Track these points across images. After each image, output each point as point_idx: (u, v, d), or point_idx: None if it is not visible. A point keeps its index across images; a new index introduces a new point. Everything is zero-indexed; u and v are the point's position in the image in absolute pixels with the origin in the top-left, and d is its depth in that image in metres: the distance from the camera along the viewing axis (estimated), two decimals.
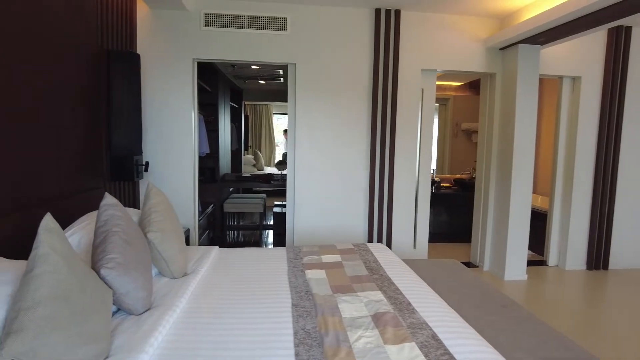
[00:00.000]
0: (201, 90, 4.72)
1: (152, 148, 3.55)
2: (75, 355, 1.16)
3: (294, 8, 3.62)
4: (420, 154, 4.06)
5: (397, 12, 3.69)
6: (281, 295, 1.95)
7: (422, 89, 3.98)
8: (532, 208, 3.95)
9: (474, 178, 5.45)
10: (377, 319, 1.67)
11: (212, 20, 3.53)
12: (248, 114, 8.99)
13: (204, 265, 2.28)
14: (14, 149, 1.86)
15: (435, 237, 5.19)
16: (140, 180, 3.39)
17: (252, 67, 5.34)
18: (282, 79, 6.35)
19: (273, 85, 7.30)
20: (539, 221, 4.53)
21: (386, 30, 3.70)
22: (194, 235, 3.73)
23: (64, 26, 2.32)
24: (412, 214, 3.99)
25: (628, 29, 3.99)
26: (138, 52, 3.42)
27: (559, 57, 4.01)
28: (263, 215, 5.28)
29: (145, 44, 3.48)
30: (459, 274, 2.76)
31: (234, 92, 6.96)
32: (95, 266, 1.52)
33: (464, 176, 5.97)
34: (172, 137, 3.58)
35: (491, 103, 4.09)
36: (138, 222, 2.13)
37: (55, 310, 1.14)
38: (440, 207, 5.34)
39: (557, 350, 1.80)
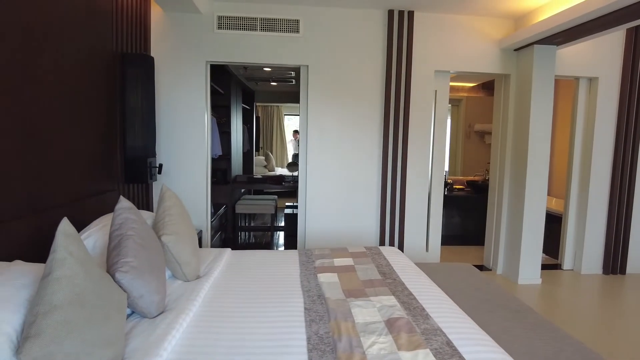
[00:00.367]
0: (214, 93, 4.74)
1: (166, 150, 3.58)
2: (91, 359, 1.17)
3: (307, 10, 3.62)
4: (433, 156, 4.02)
5: (410, 14, 3.67)
6: (294, 299, 1.94)
7: (435, 91, 3.95)
8: (547, 211, 3.89)
9: (487, 180, 5.39)
10: (391, 325, 1.65)
11: (225, 22, 3.55)
12: (259, 115, 9.02)
13: (216, 268, 2.29)
14: (30, 151, 1.88)
15: (447, 239, 5.14)
16: (153, 183, 3.41)
17: (264, 69, 5.35)
18: (293, 80, 6.35)
19: (284, 87, 7.30)
20: (553, 224, 4.47)
21: (399, 31, 3.68)
22: (207, 236, 3.75)
23: (80, 30, 2.35)
24: (424, 217, 3.96)
25: None
26: (152, 54, 3.45)
27: (575, 57, 3.94)
28: (274, 217, 5.29)
29: (159, 46, 3.51)
30: (472, 278, 2.73)
31: (245, 93, 6.99)
32: (110, 270, 1.53)
33: (476, 178, 5.90)
34: (185, 139, 3.61)
35: (505, 104, 4.04)
36: (152, 224, 2.15)
37: (71, 315, 1.15)
38: (452, 210, 5.29)
39: (575, 358, 1.77)
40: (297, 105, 3.86)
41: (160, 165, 3.30)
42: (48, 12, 2.02)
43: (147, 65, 3.09)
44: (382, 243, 3.84)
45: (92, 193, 2.51)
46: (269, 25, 3.59)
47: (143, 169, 3.06)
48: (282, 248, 5.03)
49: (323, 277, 2.23)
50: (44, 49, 1.99)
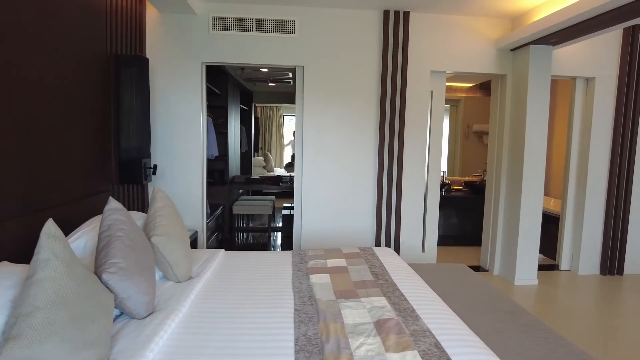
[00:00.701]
0: (210, 93, 4.75)
1: (161, 151, 3.58)
2: None
3: (303, 11, 3.62)
4: (430, 157, 4.02)
5: (406, 14, 3.66)
6: (284, 300, 1.94)
7: (432, 91, 3.94)
8: (544, 211, 3.88)
9: (485, 180, 5.38)
10: (380, 326, 1.65)
11: (221, 23, 3.55)
12: (259, 116, 9.02)
13: (208, 269, 2.28)
14: (23, 152, 1.88)
15: (445, 240, 5.13)
16: (149, 183, 3.41)
17: (262, 69, 5.35)
18: (291, 81, 6.36)
19: (283, 88, 7.31)
20: (551, 224, 4.45)
21: (395, 31, 3.67)
22: (202, 237, 3.75)
23: (74, 30, 2.35)
24: (420, 218, 3.95)
25: None
26: (147, 55, 3.45)
27: (571, 57, 3.93)
28: (272, 217, 5.29)
29: (154, 47, 3.51)
30: (467, 279, 2.72)
31: (243, 94, 6.99)
32: (97, 271, 1.53)
33: (474, 179, 5.89)
34: (181, 140, 3.61)
35: (502, 105, 4.03)
36: (143, 225, 2.15)
37: (54, 316, 1.15)
38: (450, 210, 5.28)
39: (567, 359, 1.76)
40: (293, 106, 3.85)
41: (155, 166, 3.30)
42: (41, 13, 2.02)
43: (141, 67, 3.09)
44: (378, 244, 3.83)
45: (87, 194, 2.51)
46: (265, 26, 3.58)
47: (138, 170, 3.06)
48: (279, 249, 5.02)
49: (315, 278, 2.22)
50: (38, 49, 1.99)
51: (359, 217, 3.84)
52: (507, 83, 3.93)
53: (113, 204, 1.78)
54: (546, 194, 5.38)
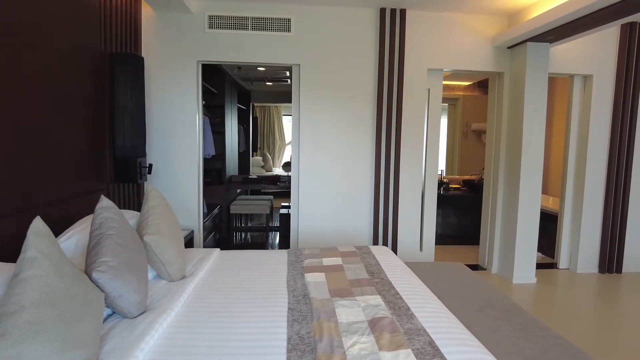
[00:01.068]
0: (207, 92, 4.73)
1: (157, 150, 3.56)
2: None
3: (298, 9, 3.60)
4: (427, 155, 4.00)
5: (403, 12, 3.65)
6: (278, 299, 1.92)
7: (429, 89, 3.93)
8: (542, 209, 3.86)
9: (483, 179, 5.37)
10: (374, 325, 1.63)
11: (216, 22, 3.53)
12: (257, 115, 9.00)
13: (203, 268, 2.27)
14: (17, 151, 1.87)
15: (444, 239, 5.11)
16: (144, 182, 3.40)
17: (259, 68, 5.34)
18: (289, 80, 6.34)
19: (281, 87, 7.29)
20: (549, 223, 4.44)
21: (391, 29, 3.66)
22: (199, 237, 3.73)
23: (67, 29, 2.34)
24: (418, 216, 3.93)
25: None
26: (142, 54, 3.43)
27: (569, 55, 3.91)
28: (270, 217, 5.27)
29: (149, 46, 3.49)
30: (464, 278, 2.70)
31: (241, 94, 6.97)
32: (87, 269, 1.51)
33: (473, 177, 5.88)
34: (177, 139, 3.59)
35: (499, 103, 4.01)
36: (136, 224, 2.13)
37: (40, 315, 1.13)
38: (449, 209, 5.26)
39: (562, 358, 1.74)
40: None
41: (150, 165, 3.28)
42: (33, 10, 2.00)
43: (136, 65, 3.07)
44: (375, 243, 3.81)
45: (81, 193, 2.49)
46: (260, 24, 3.57)
47: (133, 169, 3.04)
48: (277, 248, 5.01)
49: (310, 277, 2.20)
50: (31, 47, 1.97)
51: (356, 216, 3.82)
52: (505, 81, 3.91)
53: (105, 202, 1.77)
54: (544, 192, 5.36)
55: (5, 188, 1.79)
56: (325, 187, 3.79)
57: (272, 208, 5.31)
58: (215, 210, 4.75)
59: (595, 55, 3.94)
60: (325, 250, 2.72)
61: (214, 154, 4.78)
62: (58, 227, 2.04)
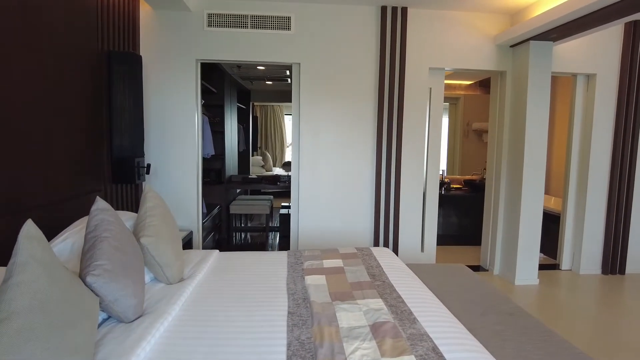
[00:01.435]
0: (206, 92, 4.69)
1: (155, 150, 3.52)
2: None
3: (299, 7, 3.56)
4: (428, 155, 3.96)
5: (404, 10, 3.60)
6: (278, 302, 1.88)
7: (430, 88, 3.89)
8: (544, 210, 3.82)
9: (485, 179, 5.32)
10: (376, 329, 1.59)
11: (215, 20, 3.49)
12: (257, 114, 8.96)
13: (201, 270, 2.23)
14: (12, 151, 1.83)
15: (445, 239, 5.08)
16: (142, 183, 3.36)
17: (258, 67, 5.30)
18: (289, 79, 6.30)
19: (281, 86, 7.24)
20: (551, 223, 4.40)
21: (392, 28, 3.62)
22: (198, 237, 3.70)
23: (64, 27, 2.30)
24: (419, 217, 3.89)
25: None
26: (140, 53, 3.40)
27: (572, 53, 3.87)
28: (270, 217, 5.23)
29: (147, 44, 3.45)
30: (466, 280, 2.66)
31: (241, 93, 6.93)
32: (82, 273, 1.47)
33: (474, 177, 5.84)
34: (175, 138, 3.55)
35: (501, 102, 3.97)
36: (133, 225, 2.09)
37: (31, 321, 1.09)
38: (450, 209, 5.22)
39: None
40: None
41: (149, 165, 3.24)
42: (28, 8, 1.96)
43: (134, 64, 3.03)
44: (376, 244, 3.77)
45: (78, 194, 2.46)
46: (260, 22, 3.53)
47: (131, 169, 3.00)
48: (277, 249, 4.97)
49: (310, 280, 2.16)
50: (25, 45, 1.93)
51: (356, 216, 3.78)
52: (507, 80, 3.87)
53: (100, 203, 1.73)
54: (546, 192, 5.32)
55: (1, 189, 1.76)
56: (326, 187, 3.75)
57: (272, 208, 5.27)
58: (215, 211, 4.71)
59: (598, 54, 3.90)
60: (326, 251, 2.68)
61: (213, 153, 4.74)
62: (55, 229, 2.01)
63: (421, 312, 1.79)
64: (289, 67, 5.10)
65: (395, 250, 3.78)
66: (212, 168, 5.02)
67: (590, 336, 2.81)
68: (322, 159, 3.73)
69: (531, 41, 3.56)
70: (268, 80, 6.55)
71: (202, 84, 3.75)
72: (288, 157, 9.54)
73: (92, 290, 1.44)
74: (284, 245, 4.95)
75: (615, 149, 3.97)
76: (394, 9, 3.60)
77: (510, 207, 3.88)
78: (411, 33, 3.66)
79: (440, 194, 4.07)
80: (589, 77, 4.01)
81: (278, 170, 8.65)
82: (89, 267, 1.47)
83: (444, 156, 6.43)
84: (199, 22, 3.49)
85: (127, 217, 2.17)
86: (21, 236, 1.20)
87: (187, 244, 3.44)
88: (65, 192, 2.32)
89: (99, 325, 1.56)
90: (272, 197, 5.61)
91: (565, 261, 4.21)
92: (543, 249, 3.85)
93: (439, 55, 3.73)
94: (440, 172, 4.27)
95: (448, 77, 5.67)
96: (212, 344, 1.50)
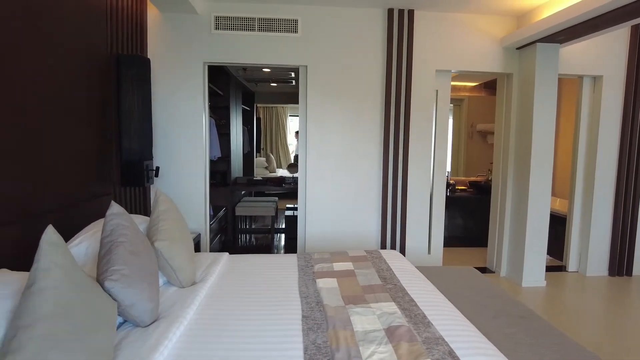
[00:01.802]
0: (212, 94, 4.70)
1: (163, 153, 3.53)
2: None
3: (306, 10, 3.57)
4: (435, 157, 3.96)
5: (411, 12, 3.61)
6: (291, 306, 1.89)
7: (437, 90, 3.89)
8: (550, 211, 3.82)
9: (490, 180, 5.32)
10: (391, 333, 1.60)
11: (223, 23, 3.50)
12: (260, 116, 8.97)
13: (212, 274, 2.23)
14: (22, 155, 1.84)
15: (449, 241, 5.08)
16: (151, 186, 3.37)
17: (264, 69, 5.30)
18: (293, 81, 6.30)
19: (285, 88, 7.25)
20: (557, 225, 4.40)
21: (399, 30, 3.62)
22: (205, 240, 3.70)
23: (73, 30, 2.31)
24: (426, 219, 3.89)
25: None
26: (148, 56, 3.40)
27: (578, 55, 3.87)
28: (275, 219, 5.24)
29: (155, 47, 3.46)
30: (475, 283, 2.67)
31: (245, 95, 6.94)
32: (99, 278, 1.48)
33: (479, 179, 5.84)
34: (183, 141, 3.56)
35: (508, 104, 3.98)
36: (146, 229, 2.10)
37: (55, 327, 1.10)
38: (455, 211, 5.22)
39: None
40: (297, 106, 3.81)
41: (157, 168, 3.25)
42: (39, 12, 1.97)
43: (142, 67, 3.04)
44: (383, 246, 3.78)
45: (87, 197, 2.46)
46: (267, 25, 3.54)
47: (139, 172, 3.01)
48: (283, 251, 4.98)
49: (322, 283, 2.17)
50: (36, 49, 1.94)
51: (363, 219, 3.79)
52: (514, 82, 3.87)
53: (115, 208, 1.74)
54: (552, 194, 5.32)
55: (10, 193, 1.76)
56: (333, 189, 3.75)
57: (277, 210, 5.28)
58: (221, 213, 4.72)
59: (605, 55, 3.90)
60: (336, 254, 2.69)
61: (220, 155, 4.76)
62: (65, 232, 1.99)
63: (435, 315, 1.79)
64: (294, 69, 5.11)
65: (402, 252, 3.78)
66: (217, 170, 5.03)
67: (600, 338, 2.81)
68: (329, 162, 3.73)
69: (538, 43, 3.56)
70: (273, 82, 6.56)
71: (208, 87, 3.76)
72: (291, 158, 9.55)
73: (110, 295, 1.45)
74: (291, 247, 4.96)
75: (622, 150, 3.97)
76: (401, 11, 3.61)
77: (517, 209, 3.88)
78: (418, 35, 3.67)
79: (445, 196, 4.06)
80: (596, 79, 4.01)
81: (281, 172, 8.66)
82: (106, 272, 1.48)
83: (448, 157, 6.43)
84: (207, 25, 3.50)
85: (139, 221, 2.17)
86: (43, 242, 1.21)
87: (195, 246, 3.43)
88: (76, 195, 2.32)
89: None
90: (277, 198, 5.62)
91: (572, 263, 4.20)
92: (549, 251, 3.85)
93: (445, 57, 3.74)
94: (446, 174, 4.26)
95: (453, 78, 5.66)
96: (229, 347, 1.51)
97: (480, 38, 3.76)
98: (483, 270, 4.17)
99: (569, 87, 5.13)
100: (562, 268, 4.27)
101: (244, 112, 6.78)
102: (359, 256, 2.64)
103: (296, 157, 8.62)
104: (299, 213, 3.84)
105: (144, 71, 3.05)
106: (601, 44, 3.88)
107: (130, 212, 3.03)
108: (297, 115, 9.33)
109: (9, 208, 1.75)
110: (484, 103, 6.17)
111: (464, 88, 6.27)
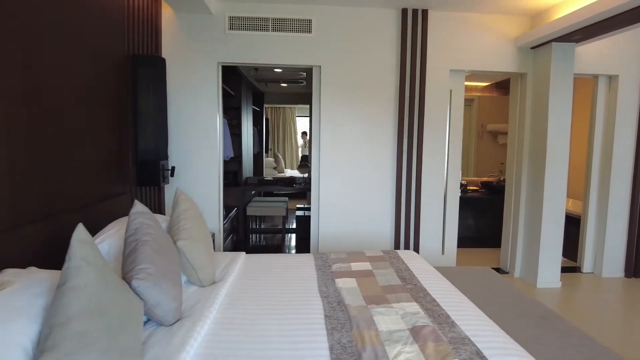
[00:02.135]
0: (224, 94, 4.71)
1: (178, 152, 3.54)
2: None
3: (319, 9, 3.56)
4: (449, 157, 3.94)
5: (425, 12, 3.60)
6: (313, 305, 1.88)
7: (451, 90, 3.87)
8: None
9: (502, 181, 5.29)
10: (416, 333, 1.59)
11: (237, 23, 3.50)
12: (268, 116, 8.97)
13: (231, 273, 2.23)
14: (44, 155, 1.85)
15: (461, 241, 5.01)
16: (166, 186, 3.38)
17: (275, 70, 5.31)
18: (304, 81, 6.30)
19: (294, 88, 7.25)
20: (571, 225, 4.35)
21: (413, 30, 3.61)
22: (219, 239, 3.71)
23: (91, 31, 2.32)
24: (440, 219, 3.87)
25: None
26: (163, 56, 3.42)
27: (594, 55, 3.84)
28: (285, 219, 5.24)
29: (170, 48, 3.47)
30: (492, 283, 2.65)
31: (255, 95, 6.95)
32: (126, 277, 1.48)
33: (491, 179, 5.80)
34: (197, 141, 3.56)
35: (522, 104, 3.95)
36: (167, 228, 2.10)
37: (88, 325, 1.10)
38: (467, 211, 5.19)
39: None
40: (306, 106, 3.80)
41: (173, 168, 3.26)
42: (59, 16, 1.98)
43: (158, 67, 3.05)
44: (397, 246, 3.76)
45: (105, 197, 2.47)
46: (281, 25, 3.54)
47: (155, 172, 3.02)
48: (294, 251, 4.97)
49: (341, 283, 2.16)
50: (57, 50, 1.95)
51: (377, 219, 3.77)
52: (528, 82, 3.84)
53: (139, 207, 1.74)
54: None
55: (33, 193, 1.77)
56: (346, 189, 3.74)
57: (287, 210, 5.28)
58: (233, 213, 4.72)
59: (621, 55, 3.86)
60: (352, 254, 2.68)
61: (232, 156, 4.76)
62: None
63: (458, 315, 1.78)
64: (305, 70, 5.11)
65: (416, 252, 3.75)
66: (229, 170, 5.04)
67: (618, 339, 2.77)
68: (343, 162, 3.72)
69: (553, 43, 3.53)
70: (283, 83, 6.56)
71: (222, 87, 3.77)
72: (299, 159, 9.55)
73: (136, 294, 1.45)
74: (302, 246, 4.95)
75: (638, 151, 3.92)
76: (415, 11, 3.60)
77: (531, 210, 3.85)
78: (432, 35, 3.65)
79: (459, 197, 4.04)
80: (611, 78, 3.97)
81: (290, 172, 8.66)
82: (132, 271, 1.48)
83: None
84: (220, 25, 3.50)
85: (160, 220, 2.17)
86: (74, 240, 1.21)
87: None
88: (93, 195, 2.33)
89: None
90: (287, 198, 5.62)
91: (587, 264, 4.16)
92: (563, 252, 3.81)
93: (459, 57, 3.72)
94: (460, 174, 4.24)
95: (464, 78, 5.64)
96: (253, 347, 1.50)
97: (495, 38, 3.74)
98: (496, 270, 4.13)
99: (581, 86, 5.08)
100: (576, 269, 4.23)
101: (254, 112, 6.79)
102: (376, 256, 2.63)
103: (303, 157, 8.62)
104: (311, 213, 3.83)
105: (159, 71, 3.06)
106: (617, 43, 3.84)
107: None
108: (305, 116, 9.42)
109: (31, 207, 1.76)
110: (494, 103, 6.13)
111: (475, 88, 6.23)
